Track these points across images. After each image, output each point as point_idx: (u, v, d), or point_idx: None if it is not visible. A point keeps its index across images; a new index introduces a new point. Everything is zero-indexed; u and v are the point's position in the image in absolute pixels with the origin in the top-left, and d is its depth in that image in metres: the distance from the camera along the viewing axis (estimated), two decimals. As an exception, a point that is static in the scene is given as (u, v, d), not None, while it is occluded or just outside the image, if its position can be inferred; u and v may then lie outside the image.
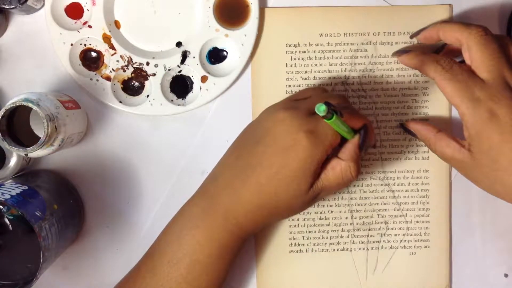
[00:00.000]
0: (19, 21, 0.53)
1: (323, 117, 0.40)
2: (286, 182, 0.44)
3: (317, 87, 0.52)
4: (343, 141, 0.46)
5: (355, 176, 0.46)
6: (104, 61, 0.53)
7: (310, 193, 0.45)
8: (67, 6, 0.52)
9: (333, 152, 0.46)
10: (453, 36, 0.46)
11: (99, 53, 0.53)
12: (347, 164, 0.45)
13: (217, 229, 0.45)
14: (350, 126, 0.45)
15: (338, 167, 0.45)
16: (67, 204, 0.50)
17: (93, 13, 0.52)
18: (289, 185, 0.44)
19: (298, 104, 0.47)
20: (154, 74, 0.53)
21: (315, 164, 0.44)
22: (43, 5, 0.51)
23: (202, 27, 0.52)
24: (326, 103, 0.39)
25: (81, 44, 0.52)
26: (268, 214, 0.46)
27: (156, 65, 0.52)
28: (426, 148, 0.54)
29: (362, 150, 0.46)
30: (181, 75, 0.53)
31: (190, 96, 0.53)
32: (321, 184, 0.45)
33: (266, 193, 0.44)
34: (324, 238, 0.54)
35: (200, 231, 0.45)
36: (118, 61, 0.52)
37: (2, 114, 0.44)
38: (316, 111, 0.39)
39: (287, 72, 0.53)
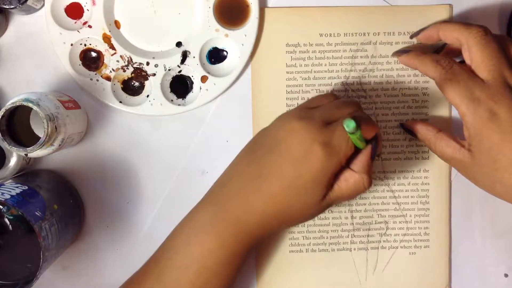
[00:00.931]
0: (19, 21, 0.53)
1: (349, 132, 0.40)
2: (299, 193, 0.44)
3: (329, 94, 0.50)
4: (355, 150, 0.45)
5: (367, 188, 0.45)
6: (104, 61, 0.53)
7: (323, 203, 0.44)
8: (67, 6, 0.52)
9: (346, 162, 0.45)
10: (453, 36, 0.46)
11: (99, 53, 0.53)
12: (361, 176, 0.45)
13: (228, 236, 0.45)
14: (364, 136, 0.45)
15: (352, 179, 0.45)
16: (67, 204, 0.50)
17: (93, 13, 0.52)
18: (302, 196, 0.44)
19: (312, 113, 0.45)
20: (154, 74, 0.53)
21: (329, 176, 0.44)
22: (43, 5, 0.51)
23: (202, 27, 0.52)
24: (355, 119, 0.39)
25: (81, 44, 0.52)
26: (280, 223, 0.45)
27: (156, 65, 0.52)
28: (426, 148, 0.54)
29: (373, 160, 0.46)
30: (181, 75, 0.53)
31: (190, 96, 0.53)
32: (334, 195, 0.45)
33: (279, 203, 0.44)
34: (324, 238, 0.54)
35: (210, 238, 0.45)
36: (118, 61, 0.52)
37: (2, 114, 0.44)
38: (345, 127, 0.39)
39: (287, 72, 0.53)
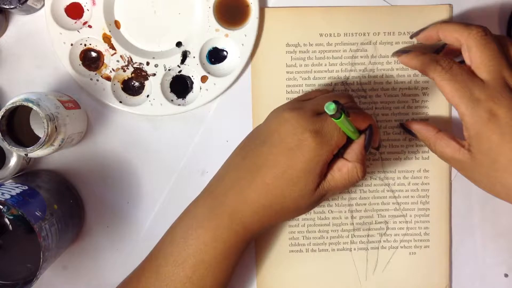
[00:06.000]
0: (19, 21, 0.53)
1: (332, 116, 0.40)
2: (293, 182, 0.44)
3: (323, 89, 0.52)
4: (348, 141, 0.46)
5: (361, 177, 0.45)
6: (104, 61, 0.53)
7: (317, 193, 0.45)
8: (67, 6, 0.52)
9: (339, 152, 0.46)
10: (453, 36, 0.46)
11: (99, 53, 0.53)
12: (354, 165, 0.45)
13: (223, 229, 0.45)
14: (356, 126, 0.45)
15: (345, 168, 0.45)
16: (67, 204, 0.51)
17: (93, 13, 0.52)
18: (295, 185, 0.44)
19: (304, 104, 0.46)
20: (154, 74, 0.53)
21: (321, 165, 0.44)
22: (43, 5, 0.52)
23: (202, 27, 0.52)
24: (335, 102, 0.39)
25: (81, 44, 0.52)
26: (274, 215, 0.46)
27: (156, 65, 0.52)
28: (426, 148, 0.54)
29: (367, 150, 0.46)
30: (181, 75, 0.53)
31: (190, 96, 0.53)
32: (328, 185, 0.45)
33: (273, 194, 0.44)
34: (324, 238, 0.54)
35: (206, 232, 0.45)
36: (118, 61, 0.52)
37: (2, 114, 0.44)
38: (325, 110, 0.39)
39: (287, 72, 0.53)
